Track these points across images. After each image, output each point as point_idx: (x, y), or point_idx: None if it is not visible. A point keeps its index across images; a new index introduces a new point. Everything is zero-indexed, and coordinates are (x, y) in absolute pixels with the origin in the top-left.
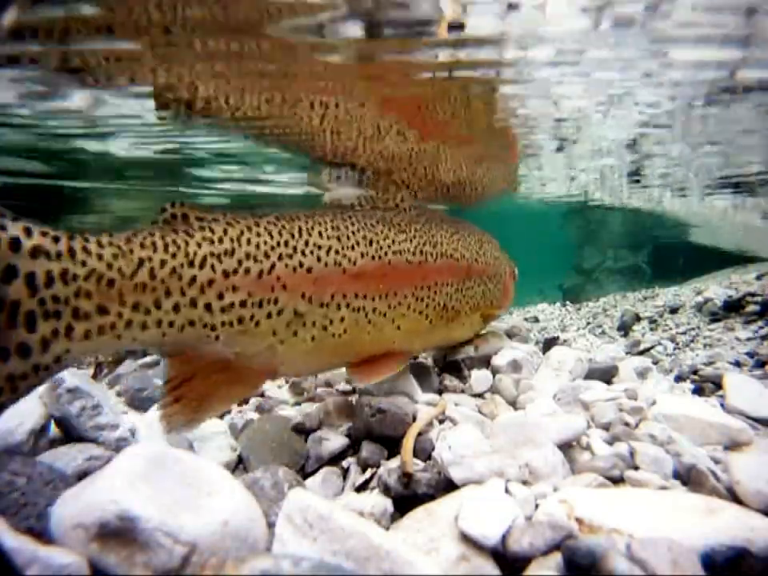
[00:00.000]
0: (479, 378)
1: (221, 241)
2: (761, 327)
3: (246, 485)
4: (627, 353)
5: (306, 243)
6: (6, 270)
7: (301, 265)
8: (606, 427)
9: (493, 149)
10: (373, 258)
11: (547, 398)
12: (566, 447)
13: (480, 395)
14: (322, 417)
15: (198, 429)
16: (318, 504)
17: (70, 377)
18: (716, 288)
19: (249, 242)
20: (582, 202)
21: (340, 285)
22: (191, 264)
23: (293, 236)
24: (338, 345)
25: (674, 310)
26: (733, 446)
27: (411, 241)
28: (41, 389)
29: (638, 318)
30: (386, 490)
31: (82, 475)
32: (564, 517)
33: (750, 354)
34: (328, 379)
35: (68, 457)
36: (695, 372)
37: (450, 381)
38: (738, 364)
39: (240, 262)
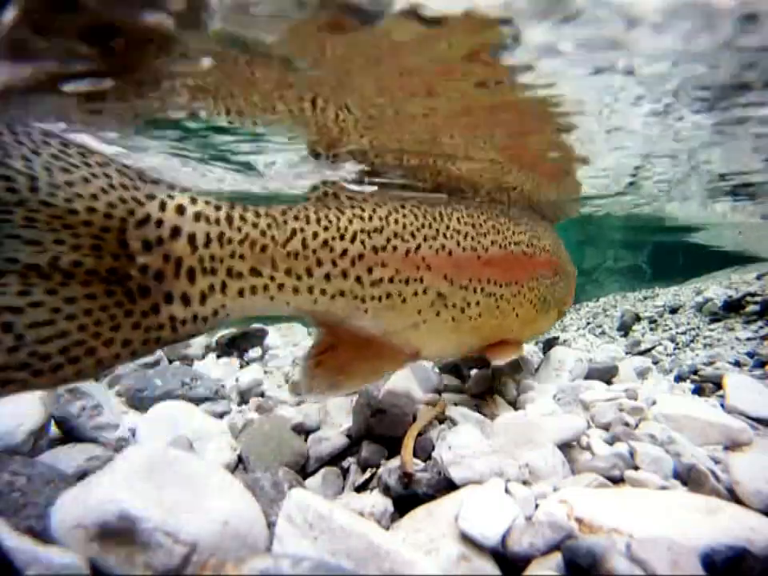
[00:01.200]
0: (479, 377)
1: (371, 219)
2: (761, 327)
3: (246, 485)
4: (627, 353)
5: (447, 227)
6: (172, 230)
7: (443, 247)
8: (606, 427)
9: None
10: (500, 246)
11: (547, 397)
12: (565, 447)
13: (480, 395)
14: (321, 417)
15: (198, 429)
16: (318, 504)
17: None
18: (716, 288)
19: (396, 221)
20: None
21: (475, 270)
22: (342, 238)
23: (435, 220)
24: (472, 328)
25: (674, 310)
26: (733, 446)
27: (525, 233)
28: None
29: (638, 318)
30: (386, 490)
31: (81, 475)
32: (564, 517)
33: (750, 354)
34: None
35: (68, 457)
36: (695, 372)
37: (449, 381)
38: (738, 364)
39: (388, 240)
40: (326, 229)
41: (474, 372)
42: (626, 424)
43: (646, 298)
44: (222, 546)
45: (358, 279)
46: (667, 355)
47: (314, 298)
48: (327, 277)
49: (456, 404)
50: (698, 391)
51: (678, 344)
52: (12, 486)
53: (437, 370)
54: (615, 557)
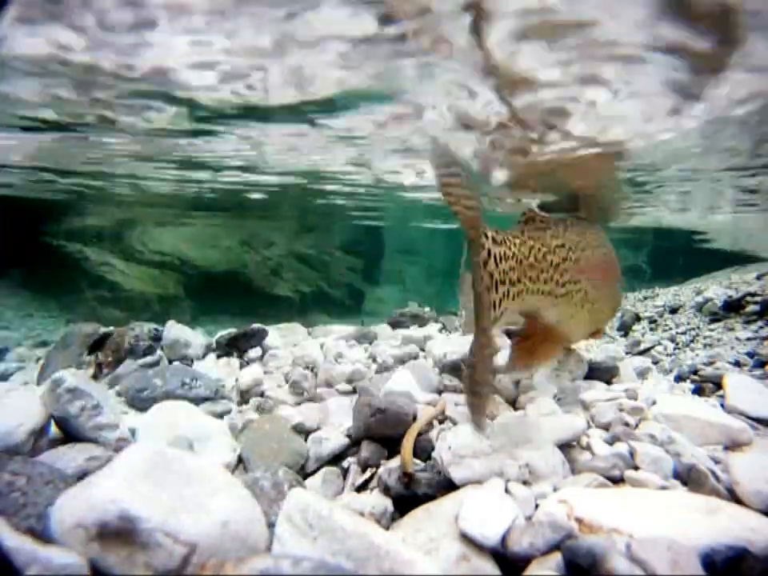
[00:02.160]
0: None
1: (558, 236)
2: (761, 327)
3: (246, 485)
4: (627, 353)
5: (581, 240)
6: (489, 254)
7: (586, 256)
8: (606, 427)
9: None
10: (594, 254)
11: (547, 397)
12: (565, 447)
13: None
14: (321, 417)
15: (198, 429)
16: (318, 504)
17: (70, 377)
18: (716, 288)
19: (566, 236)
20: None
21: (593, 274)
22: (550, 251)
23: (579, 233)
24: (590, 321)
25: (674, 310)
26: (733, 446)
27: (598, 239)
28: (40, 389)
29: (638, 318)
30: (386, 490)
31: (81, 475)
32: (564, 517)
33: (750, 354)
34: (328, 379)
35: (68, 457)
36: (695, 372)
37: (449, 380)
38: (738, 364)
39: (568, 251)
40: (542, 245)
41: None
42: (626, 424)
43: (646, 298)
44: (221, 546)
45: (557, 282)
46: (667, 355)
47: (538, 298)
48: (546, 281)
49: (456, 404)
50: (698, 391)
51: (678, 344)
52: (12, 486)
53: (437, 370)
54: (615, 557)
